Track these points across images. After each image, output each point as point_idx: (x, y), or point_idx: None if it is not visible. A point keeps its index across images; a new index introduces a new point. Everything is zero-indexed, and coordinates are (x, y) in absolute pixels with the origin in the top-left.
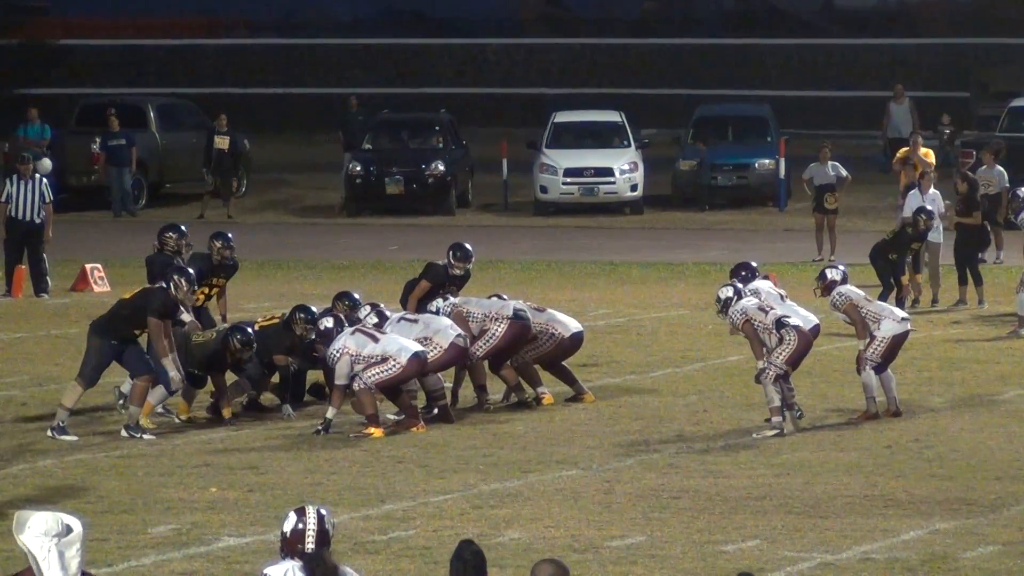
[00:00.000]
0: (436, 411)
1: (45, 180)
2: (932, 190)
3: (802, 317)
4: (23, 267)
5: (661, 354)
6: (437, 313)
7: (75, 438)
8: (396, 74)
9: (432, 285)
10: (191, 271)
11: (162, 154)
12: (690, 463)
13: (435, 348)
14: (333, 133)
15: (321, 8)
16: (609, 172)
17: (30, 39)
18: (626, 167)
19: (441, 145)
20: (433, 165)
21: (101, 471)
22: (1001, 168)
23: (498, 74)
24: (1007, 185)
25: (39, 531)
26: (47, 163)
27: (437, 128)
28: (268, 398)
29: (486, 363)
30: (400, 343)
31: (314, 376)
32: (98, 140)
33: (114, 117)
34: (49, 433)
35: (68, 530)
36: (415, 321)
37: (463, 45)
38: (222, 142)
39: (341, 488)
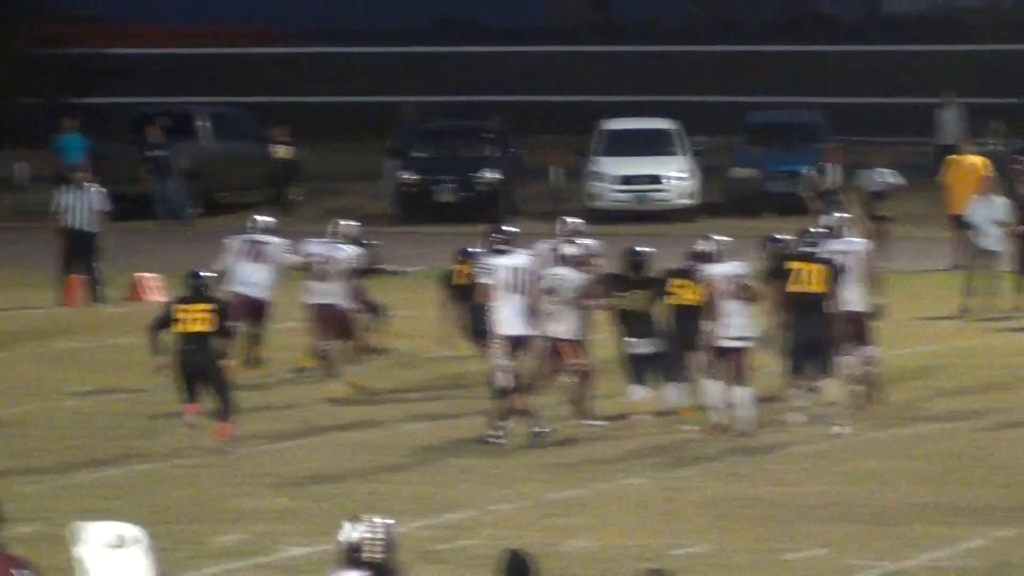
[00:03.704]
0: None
1: (97, 189)
2: (996, 197)
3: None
4: (77, 276)
5: None
6: None
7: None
8: (446, 82)
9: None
10: None
11: (214, 163)
12: (754, 471)
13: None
14: (390, 141)
15: (372, 17)
16: (660, 179)
17: (80, 48)
18: (678, 174)
19: (491, 153)
20: (484, 173)
21: (168, 481)
22: None
23: (547, 82)
24: None
25: (98, 543)
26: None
27: (487, 136)
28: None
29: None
30: None
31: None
32: (141, 151)
33: (154, 127)
34: None
35: (127, 541)
36: None
37: (512, 53)
38: (280, 151)
39: (406, 497)
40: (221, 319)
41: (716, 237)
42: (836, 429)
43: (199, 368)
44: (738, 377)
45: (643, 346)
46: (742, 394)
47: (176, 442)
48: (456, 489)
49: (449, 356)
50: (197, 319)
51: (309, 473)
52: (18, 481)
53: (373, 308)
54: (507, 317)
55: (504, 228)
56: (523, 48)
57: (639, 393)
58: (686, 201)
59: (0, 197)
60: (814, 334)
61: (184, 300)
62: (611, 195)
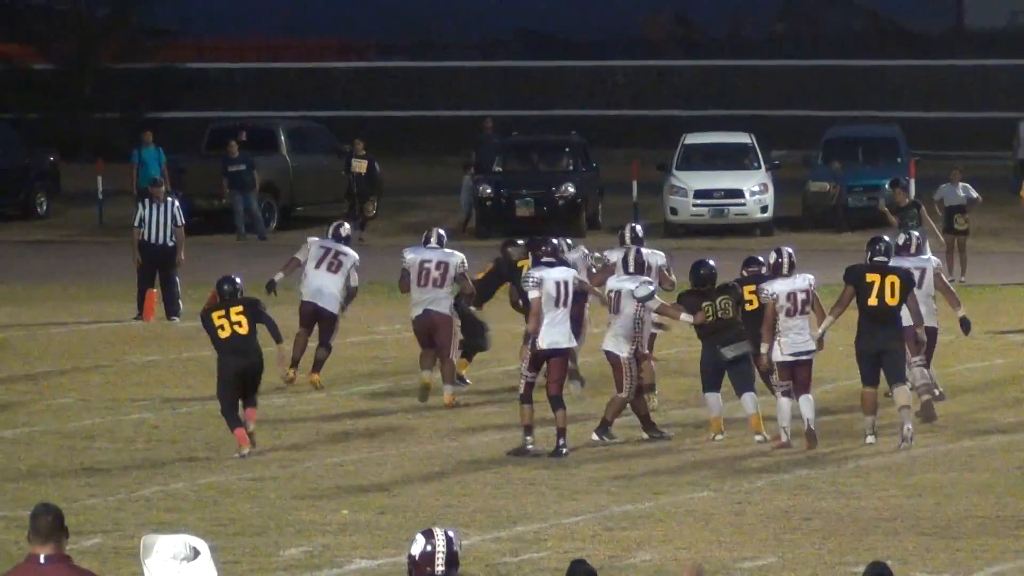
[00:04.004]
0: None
1: (177, 203)
2: None
3: None
4: (155, 291)
5: None
6: None
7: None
8: (526, 96)
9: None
10: None
11: (292, 177)
12: (821, 484)
13: None
14: (467, 157)
15: (452, 30)
16: (739, 193)
17: (161, 63)
18: (756, 188)
19: (571, 167)
20: (563, 187)
21: (233, 493)
22: None
23: (627, 95)
24: None
25: (166, 555)
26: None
27: (567, 150)
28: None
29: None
30: None
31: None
32: (221, 165)
33: (234, 142)
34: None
35: (195, 554)
36: None
37: (593, 67)
38: (359, 166)
39: (472, 510)
40: (256, 315)
41: (786, 249)
42: (908, 428)
43: (249, 371)
44: (803, 388)
45: (737, 350)
46: (806, 404)
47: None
48: (522, 501)
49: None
50: (237, 322)
51: (373, 485)
52: (85, 493)
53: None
54: (549, 330)
55: (552, 240)
56: (605, 62)
57: (719, 402)
58: (764, 215)
59: (81, 211)
60: (887, 346)
61: (218, 307)
62: (690, 209)
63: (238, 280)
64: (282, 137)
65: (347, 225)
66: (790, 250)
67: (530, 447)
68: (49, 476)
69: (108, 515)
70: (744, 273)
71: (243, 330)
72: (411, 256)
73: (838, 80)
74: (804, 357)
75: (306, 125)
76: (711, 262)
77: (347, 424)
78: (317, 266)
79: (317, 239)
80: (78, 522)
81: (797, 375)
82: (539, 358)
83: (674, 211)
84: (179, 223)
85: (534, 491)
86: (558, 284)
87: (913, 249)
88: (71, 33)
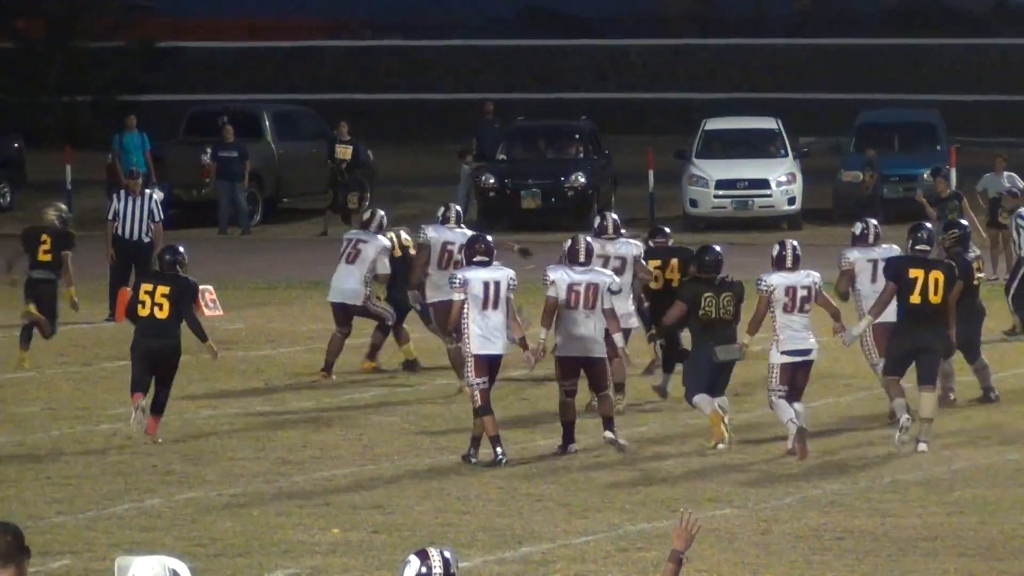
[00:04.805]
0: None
1: (155, 197)
2: None
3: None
4: (128, 289)
5: (825, 385)
6: None
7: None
8: (531, 78)
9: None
10: None
11: (279, 166)
12: (854, 500)
13: None
14: (466, 142)
15: (451, 8)
16: (764, 184)
17: (135, 41)
18: (783, 178)
19: (581, 155)
20: (573, 177)
21: (213, 510)
22: None
23: (643, 78)
24: None
25: None
26: (158, 193)
27: (577, 136)
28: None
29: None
30: None
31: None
32: (208, 151)
33: (229, 127)
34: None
35: None
36: None
37: (604, 47)
38: (343, 152)
39: (475, 529)
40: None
41: (790, 242)
42: (922, 446)
43: (161, 356)
44: (796, 395)
45: (731, 353)
46: (799, 411)
47: (224, 469)
48: (529, 519)
49: (526, 376)
50: (159, 304)
51: (366, 502)
52: (51, 510)
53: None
54: (480, 334)
55: (488, 238)
56: (618, 41)
57: (711, 401)
58: (792, 207)
59: (47, 202)
60: (927, 344)
61: (149, 279)
62: (711, 201)
63: (181, 250)
64: (267, 122)
65: (381, 213)
66: (795, 243)
67: (501, 458)
68: (12, 492)
69: (77, 534)
70: (651, 244)
71: (162, 314)
72: (433, 235)
73: (872, 60)
74: (804, 358)
75: (293, 109)
76: (718, 248)
77: (338, 434)
78: (340, 260)
79: (354, 232)
80: (44, 542)
81: (795, 379)
82: (482, 364)
83: (694, 203)
84: (156, 219)
85: (541, 508)
86: (486, 285)
87: (872, 239)
88: (35, 8)
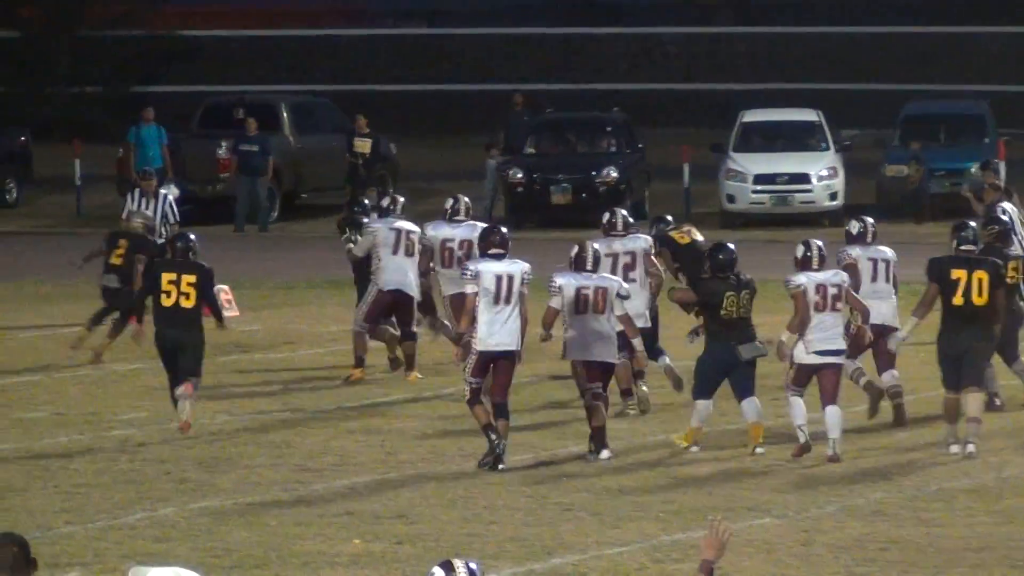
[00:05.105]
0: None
1: (170, 199)
2: None
3: None
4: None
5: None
6: None
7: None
8: (561, 68)
9: None
10: None
11: (296, 160)
12: (899, 509)
13: None
14: (493, 135)
15: None
16: (805, 178)
17: (147, 30)
18: (824, 173)
19: (613, 148)
20: (605, 171)
21: (229, 520)
22: None
23: (678, 67)
24: None
25: None
26: (174, 190)
27: (609, 129)
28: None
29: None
30: None
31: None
32: (224, 145)
33: (252, 119)
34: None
35: None
36: None
37: (638, 34)
38: (362, 146)
39: (502, 539)
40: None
41: (815, 242)
42: (971, 448)
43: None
44: (831, 396)
45: (754, 351)
46: (833, 415)
47: (240, 477)
48: (559, 529)
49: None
50: (186, 293)
51: (389, 511)
52: (60, 520)
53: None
54: (491, 329)
55: (503, 229)
56: (648, 29)
57: (709, 411)
58: (833, 203)
59: (55, 198)
60: (971, 345)
61: (170, 268)
62: (749, 196)
63: (192, 237)
64: (285, 114)
65: (401, 199)
66: (820, 243)
67: (498, 445)
68: (18, 501)
69: (88, 545)
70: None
71: (188, 303)
72: (432, 233)
73: (916, 49)
74: (832, 359)
75: (312, 101)
76: (732, 246)
77: (359, 440)
78: (395, 252)
79: (378, 222)
80: (53, 553)
81: (823, 380)
82: (482, 361)
83: (731, 198)
84: (171, 221)
85: (572, 517)
86: (499, 278)
87: (869, 238)
88: None
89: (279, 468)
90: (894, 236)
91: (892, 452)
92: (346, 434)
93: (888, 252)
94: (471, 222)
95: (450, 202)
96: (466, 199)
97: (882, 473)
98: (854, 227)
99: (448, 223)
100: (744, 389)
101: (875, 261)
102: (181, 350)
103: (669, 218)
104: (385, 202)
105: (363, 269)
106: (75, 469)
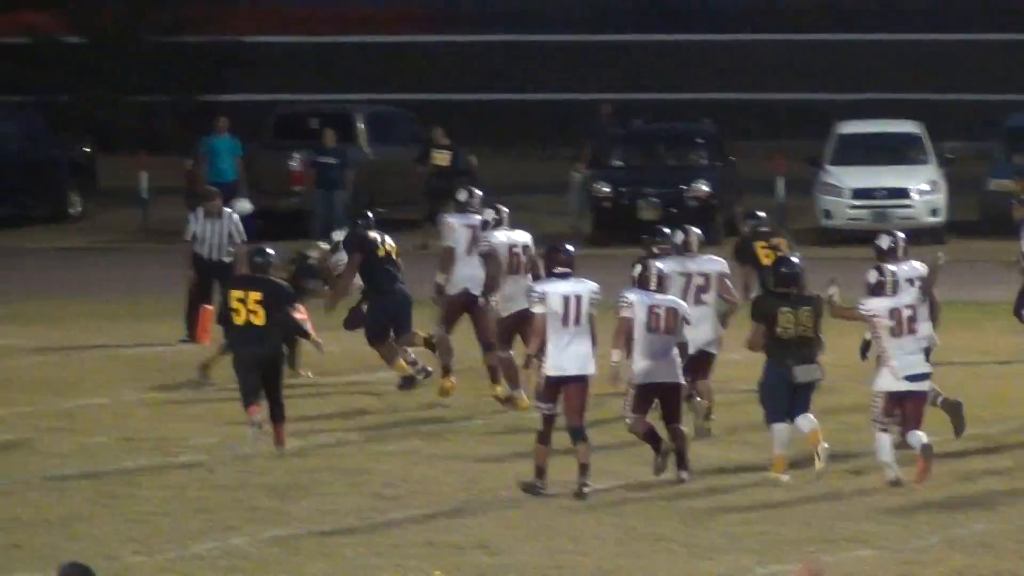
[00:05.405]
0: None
1: (236, 217)
2: None
3: None
4: (211, 307)
5: (969, 412)
6: None
7: None
8: (650, 77)
9: None
10: None
11: (373, 173)
12: (1004, 541)
13: None
14: (579, 147)
15: None
16: (905, 193)
17: (216, 36)
18: (925, 187)
19: (704, 161)
20: (696, 185)
21: (303, 551)
22: None
23: (770, 77)
24: None
25: None
26: (246, 205)
27: (700, 141)
28: None
29: None
30: None
31: None
32: (296, 157)
33: (330, 130)
34: None
35: None
36: None
37: (728, 41)
38: (440, 158)
39: (590, 571)
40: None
41: (888, 268)
42: None
43: (267, 362)
44: (915, 422)
45: (811, 374)
46: (918, 440)
47: (314, 505)
48: (649, 561)
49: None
50: (253, 310)
51: (470, 542)
52: (127, 550)
53: None
54: (558, 353)
55: (569, 247)
56: (741, 36)
57: (790, 435)
58: (935, 219)
59: (120, 212)
60: None
61: (238, 286)
62: (847, 212)
63: (271, 253)
64: (360, 125)
65: (479, 193)
66: (893, 269)
67: (541, 489)
68: (84, 529)
69: (156, 575)
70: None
71: (258, 320)
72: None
73: (1021, 58)
74: (921, 385)
75: (389, 111)
76: (796, 259)
77: (439, 466)
78: (468, 251)
79: (455, 218)
80: None
81: (908, 407)
82: (551, 386)
83: (828, 214)
84: (238, 240)
85: (663, 548)
86: (566, 299)
87: (900, 253)
88: (107, 1)
89: (355, 496)
90: (999, 255)
91: (993, 478)
92: (425, 460)
93: (921, 268)
94: (479, 216)
95: (464, 195)
96: (479, 192)
97: (984, 502)
98: (884, 242)
99: (462, 217)
100: (800, 408)
101: (910, 280)
102: (262, 368)
103: (762, 215)
104: (463, 196)
105: (371, 281)
106: (143, 496)
